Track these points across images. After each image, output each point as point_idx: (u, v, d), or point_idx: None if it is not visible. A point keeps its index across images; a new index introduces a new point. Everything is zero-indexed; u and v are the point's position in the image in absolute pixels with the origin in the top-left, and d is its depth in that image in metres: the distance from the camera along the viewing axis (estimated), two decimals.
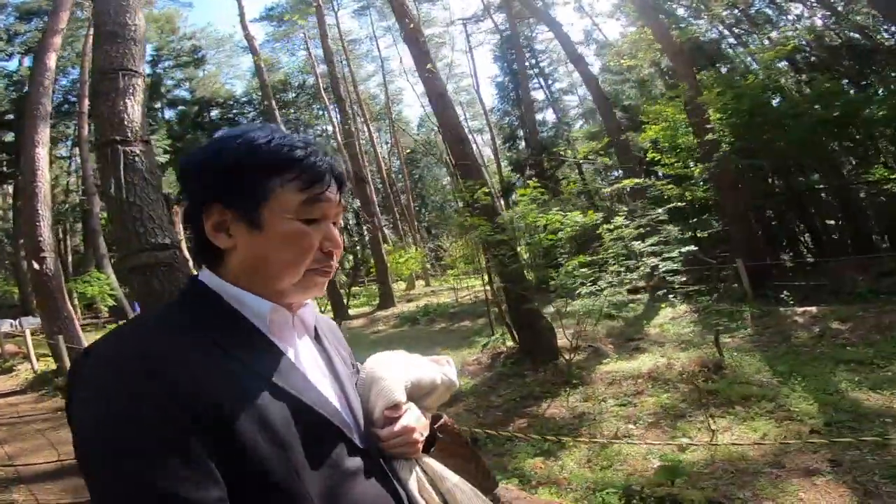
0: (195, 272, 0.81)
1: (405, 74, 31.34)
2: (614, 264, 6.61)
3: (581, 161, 16.23)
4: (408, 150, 34.85)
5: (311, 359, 0.80)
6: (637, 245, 6.91)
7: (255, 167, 0.71)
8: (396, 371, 0.87)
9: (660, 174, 12.94)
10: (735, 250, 9.92)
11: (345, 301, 16.09)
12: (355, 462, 0.72)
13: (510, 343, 7.72)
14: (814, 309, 7.25)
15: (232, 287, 0.73)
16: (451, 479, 0.84)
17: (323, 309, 14.39)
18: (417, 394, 0.89)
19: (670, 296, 9.76)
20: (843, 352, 5.75)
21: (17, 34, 22.68)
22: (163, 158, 23.20)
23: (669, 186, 10.56)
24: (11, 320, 16.86)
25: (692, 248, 7.61)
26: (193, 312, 0.71)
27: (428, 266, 23.21)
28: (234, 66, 31.92)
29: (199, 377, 0.61)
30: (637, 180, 10.16)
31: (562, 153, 16.72)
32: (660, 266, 6.70)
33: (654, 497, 3.19)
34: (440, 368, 0.96)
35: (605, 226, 6.89)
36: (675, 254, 6.69)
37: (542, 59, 22.38)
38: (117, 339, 0.67)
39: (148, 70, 27.99)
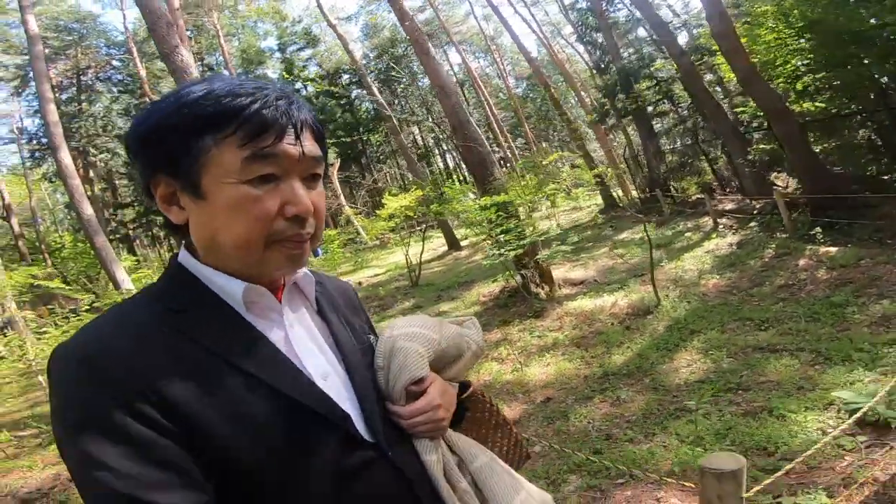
0: None
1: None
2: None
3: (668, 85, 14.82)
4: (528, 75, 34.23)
5: (305, 337, 0.70)
6: None
7: (183, 126, 0.60)
8: (419, 340, 0.77)
9: None
10: (799, 178, 8.96)
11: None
12: (358, 456, 0.64)
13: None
14: (833, 250, 6.61)
15: (204, 266, 0.65)
16: (482, 458, 0.76)
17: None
18: (442, 363, 0.80)
19: (720, 226, 9.62)
20: (774, 307, 5.53)
21: None
22: None
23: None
24: None
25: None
26: (165, 296, 0.65)
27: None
28: (347, 32, 34.56)
29: (140, 364, 0.56)
30: None
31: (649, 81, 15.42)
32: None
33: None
34: (464, 332, 0.87)
35: None
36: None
37: None
38: (79, 331, 0.60)
39: (278, 55, 32.40)
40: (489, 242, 7.91)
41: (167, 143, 0.61)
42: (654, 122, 16.53)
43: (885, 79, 8.79)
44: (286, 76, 26.06)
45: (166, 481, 0.52)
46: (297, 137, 0.63)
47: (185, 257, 0.68)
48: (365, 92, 27.94)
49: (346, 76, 32.85)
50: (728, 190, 12.76)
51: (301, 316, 0.73)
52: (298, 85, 31.65)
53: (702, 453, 2.98)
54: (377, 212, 16.13)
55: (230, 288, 0.65)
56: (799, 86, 10.14)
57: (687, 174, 15.16)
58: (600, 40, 17.15)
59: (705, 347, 4.82)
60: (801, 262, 6.51)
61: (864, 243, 6.66)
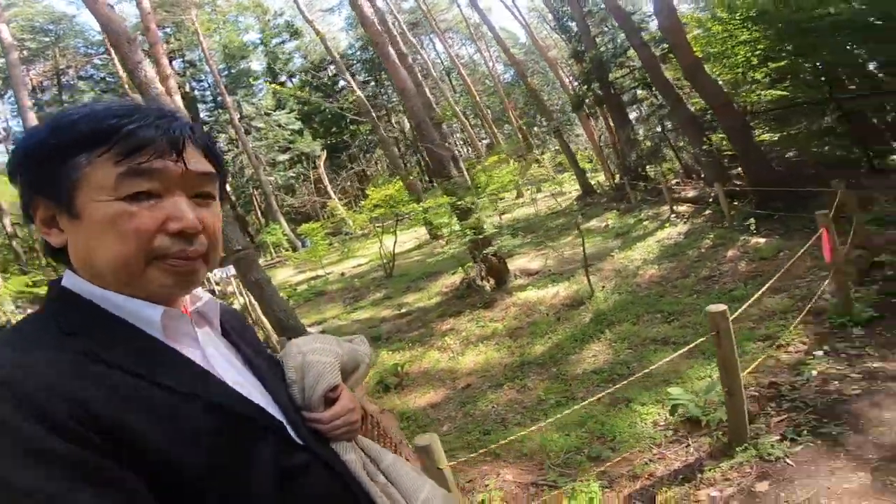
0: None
1: None
2: None
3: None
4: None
5: (221, 357, 0.72)
6: None
7: (59, 147, 0.61)
8: (327, 354, 0.86)
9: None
10: (743, 169, 9.30)
11: None
12: (296, 458, 0.68)
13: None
14: (761, 241, 6.96)
15: (98, 289, 0.63)
16: (388, 456, 0.85)
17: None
18: (344, 375, 0.89)
19: (675, 215, 9.99)
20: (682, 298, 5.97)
21: None
22: (296, 126, 27.37)
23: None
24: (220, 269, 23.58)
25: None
26: (60, 321, 0.61)
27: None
28: (332, 23, 34.28)
29: (62, 386, 0.52)
30: None
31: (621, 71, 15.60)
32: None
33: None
34: (357, 348, 0.97)
35: None
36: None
37: None
38: None
39: (262, 48, 32.24)
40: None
41: (44, 166, 0.62)
42: (633, 109, 16.71)
43: (838, 68, 8.99)
44: (271, 67, 26.17)
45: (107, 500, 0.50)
46: (179, 154, 0.63)
47: (73, 282, 0.65)
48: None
49: (332, 67, 32.87)
50: (692, 178, 13.07)
51: (211, 339, 0.75)
52: (283, 77, 31.78)
53: (561, 437, 3.42)
54: (361, 203, 16.43)
55: (144, 312, 0.64)
56: (758, 75, 10.38)
57: (658, 161, 15.44)
58: (576, 29, 17.27)
59: (613, 339, 5.24)
60: (730, 254, 6.89)
61: (793, 235, 6.98)
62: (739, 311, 3.27)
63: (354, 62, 33.90)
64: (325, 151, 29.52)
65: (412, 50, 22.83)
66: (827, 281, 4.34)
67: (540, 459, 3.40)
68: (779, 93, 10.10)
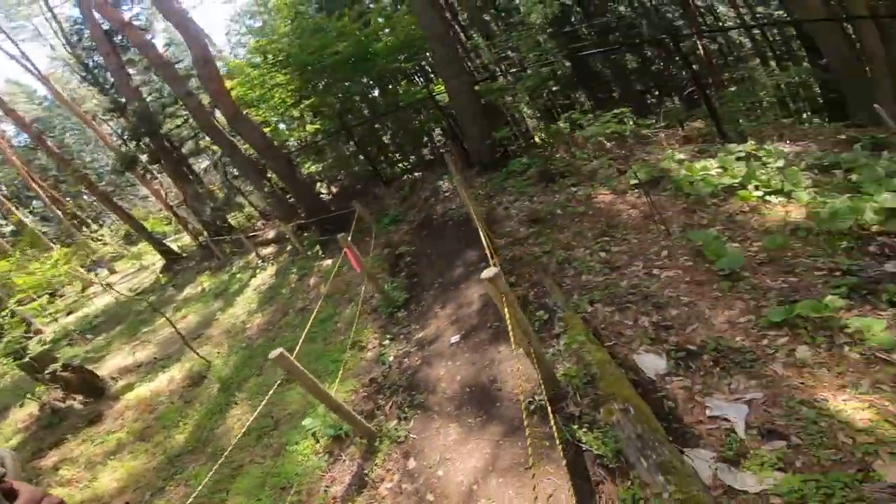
0: None
1: None
2: None
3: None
4: None
5: None
6: None
7: None
8: None
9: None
10: (298, 203, 10.78)
11: None
12: None
13: None
14: (329, 262, 8.38)
15: None
16: None
17: None
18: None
19: (263, 260, 10.49)
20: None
21: None
22: None
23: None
24: None
25: None
26: None
27: None
28: None
29: None
30: None
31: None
32: None
33: None
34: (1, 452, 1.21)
35: None
36: None
37: None
38: None
39: None
40: None
41: None
42: (203, 158, 16.30)
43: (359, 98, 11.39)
44: None
45: None
46: None
47: None
48: None
49: None
50: (271, 219, 14.23)
51: None
52: None
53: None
54: None
55: None
56: (296, 113, 12.05)
57: (236, 210, 15.94)
58: (112, 79, 15.35)
59: (247, 396, 5.42)
60: (312, 281, 8.06)
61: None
62: (302, 342, 4.00)
63: None
64: None
65: None
66: (364, 287, 5.75)
67: None
68: (315, 127, 12.20)
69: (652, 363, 3.16)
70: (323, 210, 9.86)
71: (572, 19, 13.82)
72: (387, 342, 5.03)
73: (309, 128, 11.83)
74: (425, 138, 12.80)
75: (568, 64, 13.31)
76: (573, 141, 7.58)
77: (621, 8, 14.89)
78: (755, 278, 3.70)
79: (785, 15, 12.52)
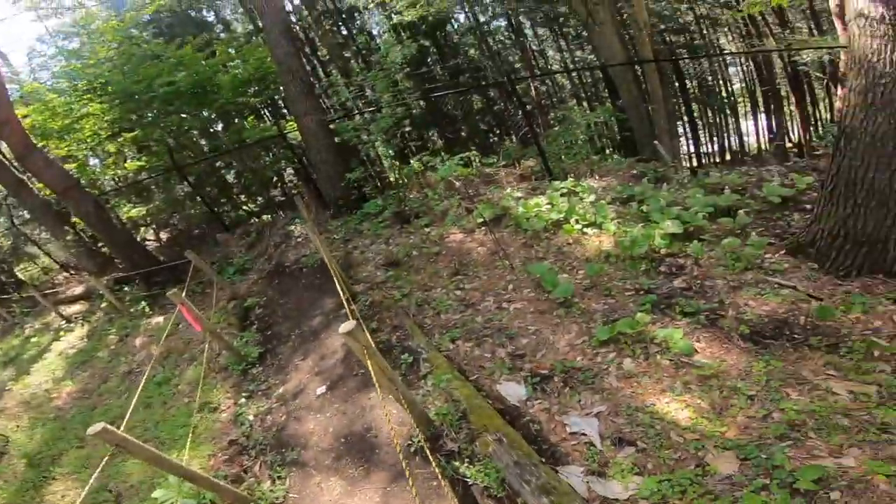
0: None
1: None
2: None
3: None
4: None
5: None
6: None
7: None
8: None
9: None
10: (115, 253, 9.28)
11: None
12: None
13: None
14: (161, 320, 7.33)
15: None
16: None
17: None
18: None
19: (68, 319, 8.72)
20: None
21: None
22: None
23: None
24: None
25: None
26: None
27: None
28: None
29: None
30: None
31: None
32: None
33: None
34: None
35: None
36: None
37: None
38: None
39: None
40: None
41: None
42: None
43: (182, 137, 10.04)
44: None
45: None
46: None
47: None
48: None
49: None
50: (76, 273, 11.98)
51: None
52: None
53: None
54: None
55: None
56: (112, 148, 10.29)
57: (26, 261, 13.12)
58: None
59: (70, 471, 4.52)
60: (139, 341, 6.99)
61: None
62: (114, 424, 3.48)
63: None
64: None
65: None
66: (207, 344, 5.22)
67: None
68: (138, 164, 10.48)
69: (513, 391, 3.45)
70: (148, 260, 8.64)
71: (428, 60, 14.66)
72: (243, 401, 4.64)
73: (129, 165, 10.29)
74: (275, 179, 12.18)
75: (422, 104, 14.01)
76: (426, 181, 7.98)
77: (471, 51, 16.26)
78: (583, 303, 4.30)
79: (595, 59, 14.91)
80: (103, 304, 8.96)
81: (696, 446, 2.60)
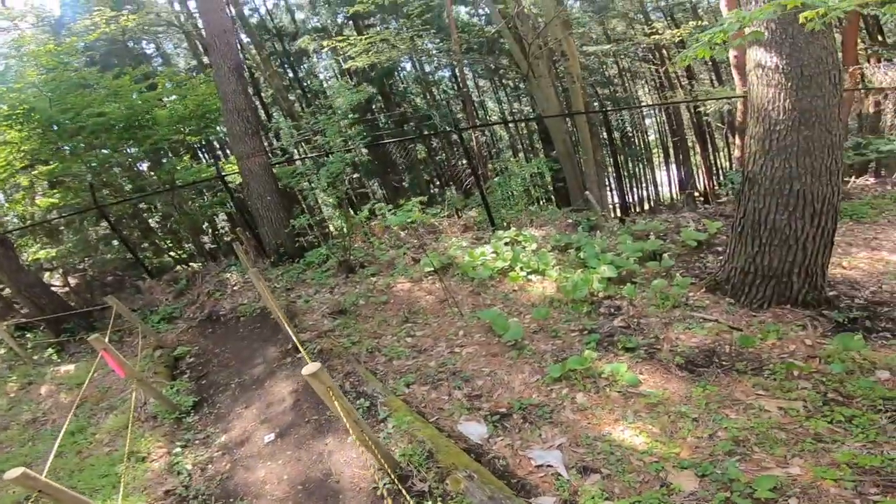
0: None
1: None
2: None
3: None
4: None
5: None
6: None
7: None
8: None
9: None
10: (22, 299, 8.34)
11: None
12: None
13: None
14: (71, 368, 6.64)
15: None
16: None
17: None
18: None
19: None
20: None
21: None
22: None
23: None
24: None
25: None
26: None
27: None
28: None
29: None
30: None
31: None
32: None
33: None
34: None
35: None
36: None
37: None
38: None
39: None
40: None
41: None
42: None
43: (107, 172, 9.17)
44: None
45: None
46: None
47: None
48: None
49: None
50: None
51: None
52: None
53: None
54: None
55: None
56: (24, 181, 9.32)
57: None
58: None
59: None
60: (44, 390, 6.26)
61: (97, 353, 7.08)
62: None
63: None
64: None
65: None
66: (133, 393, 4.79)
67: None
68: (51, 201, 9.52)
69: (475, 430, 3.51)
70: (58, 305, 7.84)
71: (373, 107, 14.96)
72: (178, 450, 4.28)
73: (41, 201, 9.39)
74: (206, 224, 11.62)
75: (366, 152, 14.16)
76: (370, 230, 8.06)
77: (417, 100, 16.84)
78: (533, 345, 4.54)
79: (531, 111, 15.96)
80: (1, 351, 7.95)
81: (656, 468, 2.79)
